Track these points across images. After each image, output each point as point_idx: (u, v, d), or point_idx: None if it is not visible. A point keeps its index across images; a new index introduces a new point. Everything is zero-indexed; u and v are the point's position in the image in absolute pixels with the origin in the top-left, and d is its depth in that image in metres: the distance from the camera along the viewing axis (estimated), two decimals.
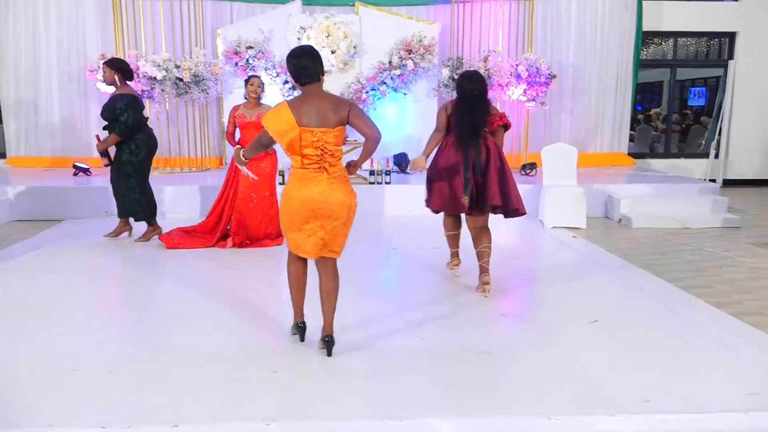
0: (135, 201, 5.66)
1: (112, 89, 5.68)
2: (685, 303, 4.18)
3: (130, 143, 5.51)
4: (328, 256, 3.18)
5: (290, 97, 3.19)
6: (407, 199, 7.09)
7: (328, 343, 3.20)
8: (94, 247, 5.62)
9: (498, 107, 8.68)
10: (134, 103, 5.44)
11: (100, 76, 7.90)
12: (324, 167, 3.07)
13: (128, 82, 5.58)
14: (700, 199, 7.28)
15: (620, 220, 7.05)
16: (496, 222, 6.59)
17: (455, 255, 4.79)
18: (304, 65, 3.06)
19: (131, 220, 5.86)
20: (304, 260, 3.29)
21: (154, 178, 7.91)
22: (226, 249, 5.56)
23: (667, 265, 5.22)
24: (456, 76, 8.40)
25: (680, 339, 3.53)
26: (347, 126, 3.15)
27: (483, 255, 4.29)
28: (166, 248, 5.51)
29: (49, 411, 2.65)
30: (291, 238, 3.19)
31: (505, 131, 4.39)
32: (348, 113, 3.07)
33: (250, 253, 5.45)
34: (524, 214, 4.29)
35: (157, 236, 5.78)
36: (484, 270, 4.29)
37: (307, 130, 3.01)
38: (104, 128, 5.61)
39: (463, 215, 4.48)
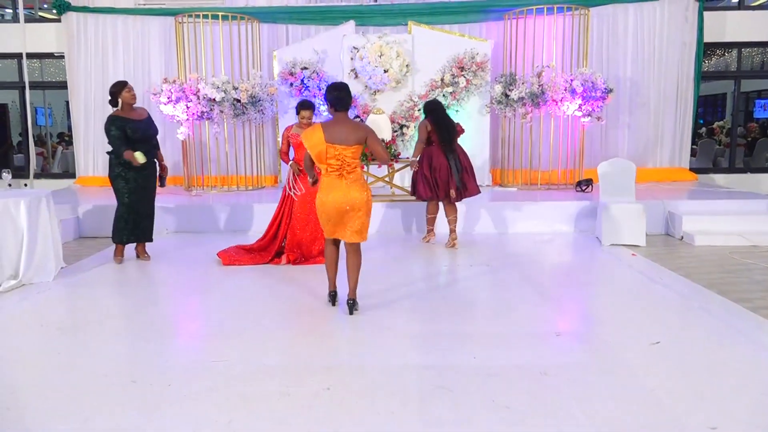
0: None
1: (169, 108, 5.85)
2: (753, 324, 3.97)
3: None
4: (358, 240, 4.07)
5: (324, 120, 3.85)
6: (459, 217, 7.03)
7: (351, 304, 4.12)
8: (153, 263, 5.82)
9: (552, 123, 8.60)
10: None
11: (163, 99, 8.25)
12: (342, 174, 3.98)
13: None
14: None
15: (682, 237, 6.79)
16: (551, 240, 6.49)
17: (431, 231, 6.54)
18: (341, 97, 3.99)
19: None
20: (337, 245, 4.24)
21: (211, 196, 8.20)
22: (280, 265, 5.66)
23: (734, 284, 4.99)
24: (509, 92, 8.41)
25: (748, 362, 3.36)
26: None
27: (451, 222, 6.31)
28: (222, 264, 5.65)
29: (109, 422, 2.74)
30: (328, 228, 4.11)
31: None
32: (366, 138, 3.97)
33: (304, 270, 5.52)
34: (480, 193, 6.37)
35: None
36: (452, 231, 6.31)
37: (331, 145, 3.92)
38: (126, 147, 5.51)
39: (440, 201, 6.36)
